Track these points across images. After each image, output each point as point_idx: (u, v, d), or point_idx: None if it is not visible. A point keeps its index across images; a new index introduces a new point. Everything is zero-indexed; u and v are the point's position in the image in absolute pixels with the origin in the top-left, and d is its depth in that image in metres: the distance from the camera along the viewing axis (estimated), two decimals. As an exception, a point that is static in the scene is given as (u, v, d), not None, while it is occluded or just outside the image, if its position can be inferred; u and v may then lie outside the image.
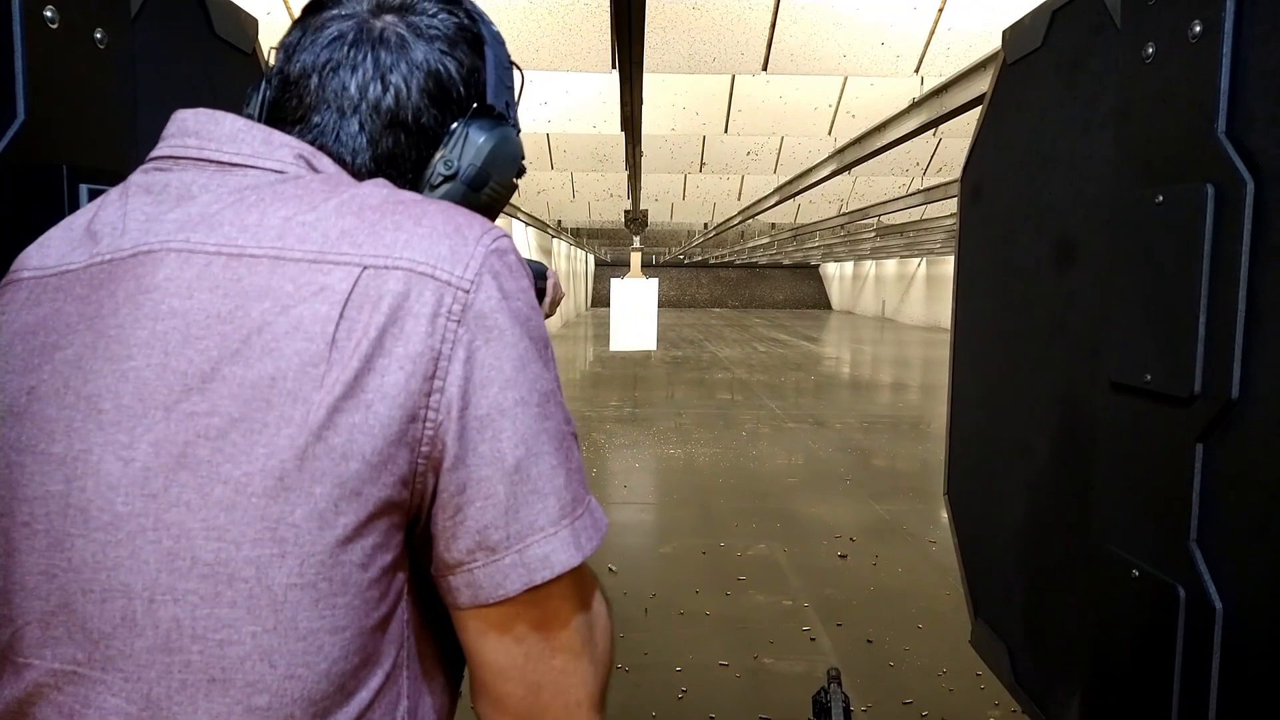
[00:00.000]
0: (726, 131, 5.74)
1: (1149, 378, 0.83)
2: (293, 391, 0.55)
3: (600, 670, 0.67)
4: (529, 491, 0.59)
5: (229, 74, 1.19)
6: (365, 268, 0.57)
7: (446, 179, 0.71)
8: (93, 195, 0.84)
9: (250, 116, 0.69)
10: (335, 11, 0.70)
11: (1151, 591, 0.83)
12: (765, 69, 3.98)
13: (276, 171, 0.63)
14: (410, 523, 0.60)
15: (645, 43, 3.43)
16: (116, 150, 0.94)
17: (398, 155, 0.69)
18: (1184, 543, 0.78)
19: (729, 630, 3.99)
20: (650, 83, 4.37)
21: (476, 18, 0.74)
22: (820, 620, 4.11)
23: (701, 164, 7.48)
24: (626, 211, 9.95)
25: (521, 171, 0.78)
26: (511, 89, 0.78)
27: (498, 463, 0.58)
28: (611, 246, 26.15)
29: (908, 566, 4.86)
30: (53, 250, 0.63)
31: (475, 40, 0.73)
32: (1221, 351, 0.74)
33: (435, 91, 0.70)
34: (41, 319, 0.60)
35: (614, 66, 3.75)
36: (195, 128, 0.65)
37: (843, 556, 5.02)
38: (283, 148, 0.65)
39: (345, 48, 0.68)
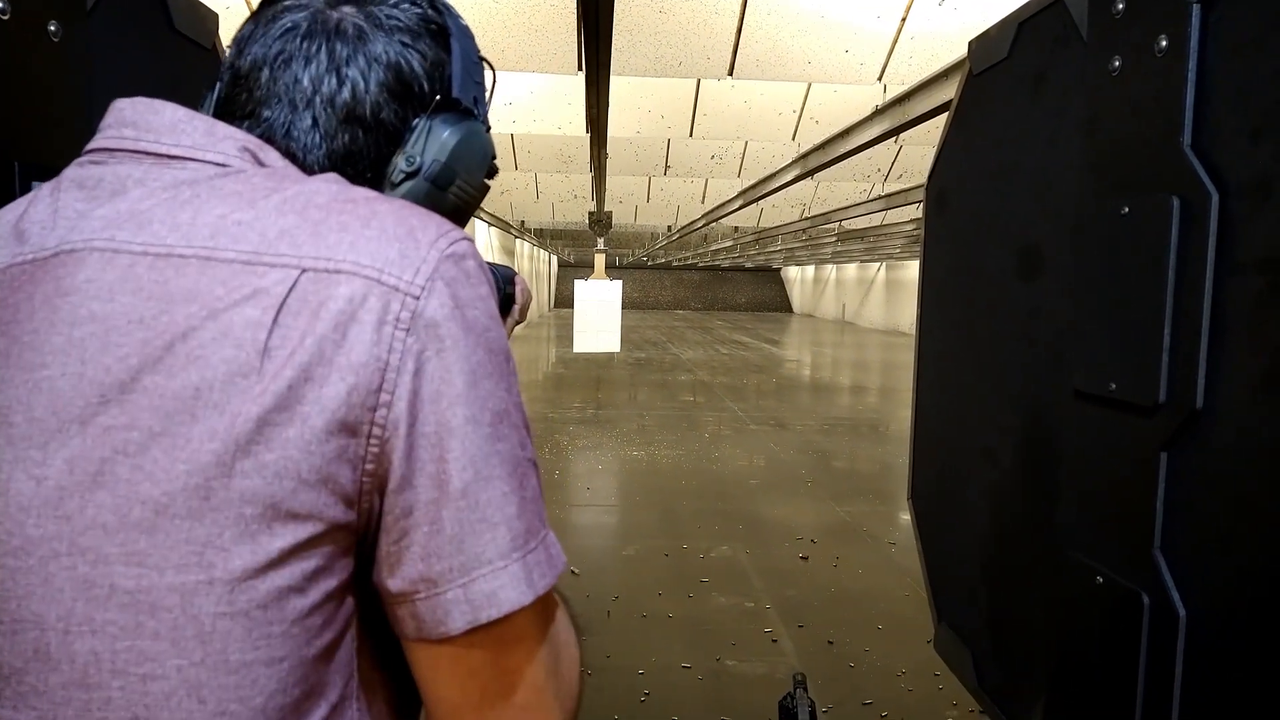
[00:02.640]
0: (691, 135, 5.75)
1: (1113, 387, 0.85)
2: (219, 404, 0.50)
3: (566, 704, 0.62)
4: (477, 520, 0.54)
5: (188, 69, 1.15)
6: (304, 270, 0.53)
7: (409, 176, 0.67)
8: (45, 193, 0.81)
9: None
10: (290, 2, 0.66)
11: (1116, 598, 0.84)
12: (731, 74, 4.00)
13: (218, 165, 0.59)
14: (361, 542, 0.56)
15: (612, 45, 3.42)
16: (70, 147, 0.90)
17: (355, 153, 0.65)
18: (1148, 550, 0.80)
19: (691, 632, 3.99)
20: (616, 85, 4.36)
21: (442, 9, 0.70)
22: (782, 622, 4.14)
23: (666, 167, 7.50)
24: (591, 213, 9.93)
25: (493, 171, 0.75)
26: (481, 84, 0.74)
27: (443, 486, 0.53)
28: (575, 248, 26.09)
29: (868, 568, 4.91)
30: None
31: (440, 32, 0.69)
32: (1186, 362, 0.75)
33: (396, 86, 0.66)
34: None
35: (580, 68, 3.73)
36: (133, 118, 0.60)
37: (804, 558, 5.05)
38: (226, 140, 0.60)
39: (298, 39, 0.64)
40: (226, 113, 0.66)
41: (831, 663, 3.72)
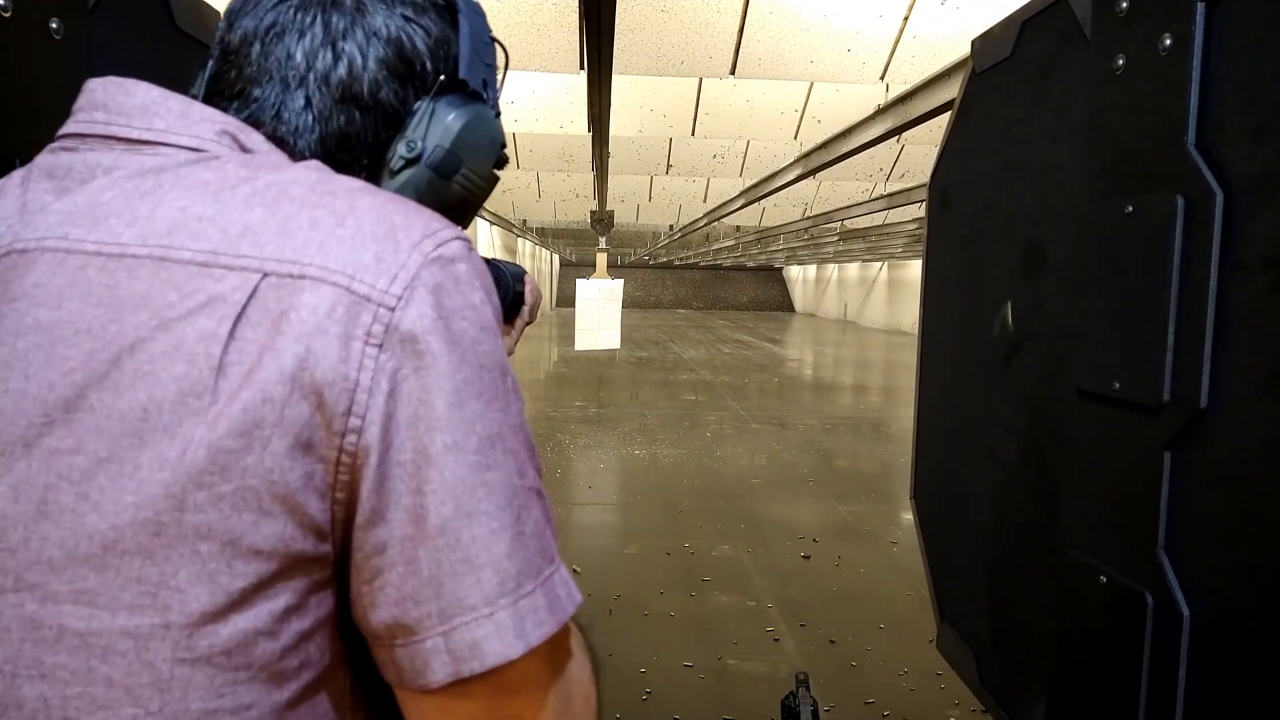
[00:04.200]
0: (693, 134, 5.75)
1: (1117, 386, 0.84)
2: (169, 427, 0.45)
3: None
4: (458, 560, 0.47)
5: (191, 67, 1.16)
6: (266, 274, 0.47)
7: (409, 163, 0.62)
8: (47, 191, 0.81)
9: (194, 97, 0.61)
10: None
11: (1119, 597, 0.84)
12: (733, 73, 3.99)
13: (192, 149, 0.54)
14: (343, 575, 0.51)
15: (614, 43, 3.42)
16: (72, 144, 0.91)
17: (351, 136, 0.60)
18: (1152, 550, 0.79)
19: (693, 631, 3.99)
20: (618, 84, 4.36)
21: None
22: (784, 621, 4.14)
23: (668, 166, 7.49)
24: (592, 212, 9.92)
25: (503, 161, 0.69)
26: (492, 66, 0.68)
27: (420, 522, 0.47)
28: (577, 247, 26.09)
29: (870, 567, 4.91)
30: None
31: (448, 7, 0.65)
32: (1190, 361, 0.75)
33: (396, 63, 0.61)
34: None
35: (582, 67, 3.73)
36: (104, 99, 0.56)
37: (806, 557, 5.05)
38: (203, 122, 0.55)
39: (292, 10, 0.59)
40: (215, 92, 0.61)
41: (833, 662, 3.72)
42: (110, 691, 0.45)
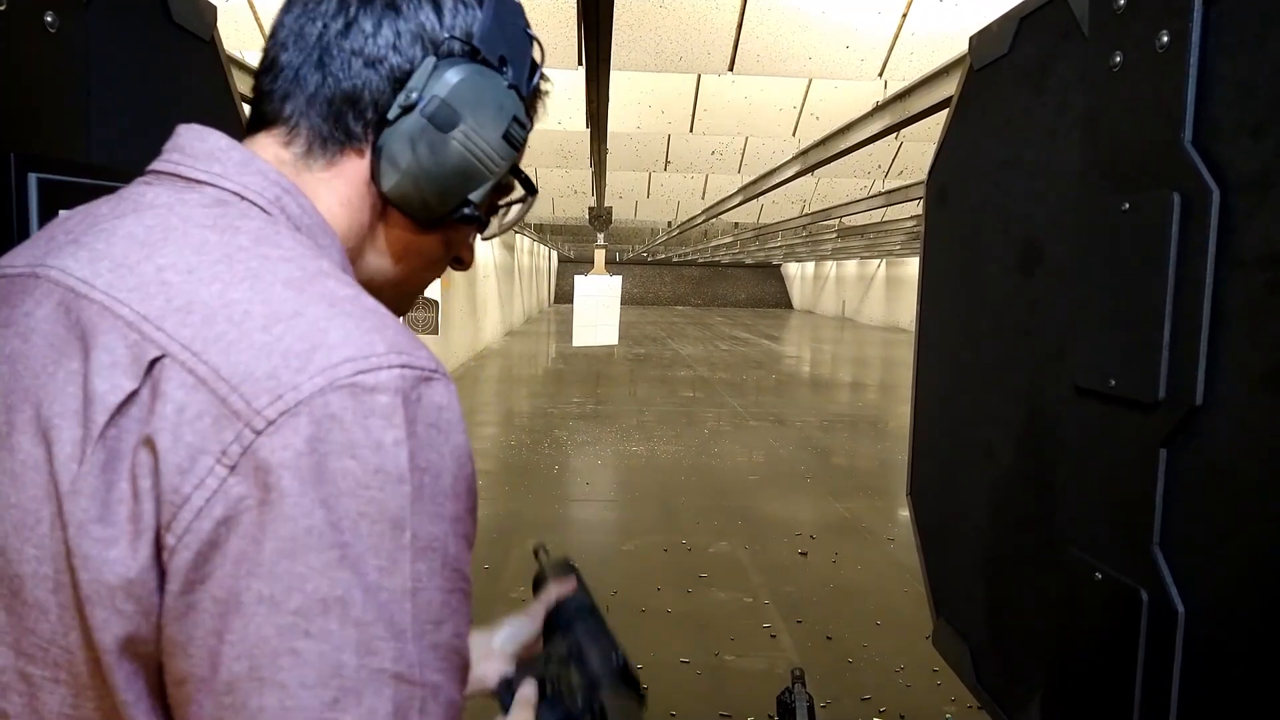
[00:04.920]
0: (692, 130, 5.74)
1: (1113, 383, 0.84)
2: (55, 490, 0.45)
3: None
4: None
5: (186, 62, 1.15)
6: (164, 357, 0.45)
7: (404, 111, 0.60)
8: (41, 185, 0.80)
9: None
10: None
11: (1114, 594, 0.84)
12: (731, 69, 3.99)
13: (234, 194, 0.56)
14: None
15: (612, 39, 3.42)
16: (67, 139, 0.90)
17: (359, 91, 0.60)
18: (1147, 547, 0.79)
19: (690, 628, 4.00)
20: (616, 80, 4.35)
21: None
22: (781, 617, 4.14)
23: (666, 162, 7.49)
24: (591, 208, 9.92)
25: (515, 139, 0.66)
26: (523, 52, 0.66)
27: (213, 669, 0.43)
28: (575, 243, 26.06)
29: (867, 564, 4.92)
30: (18, 249, 0.58)
31: None
32: (1185, 358, 0.75)
33: (411, 28, 0.61)
34: None
35: (580, 63, 3.73)
36: (184, 144, 0.58)
37: (803, 554, 5.06)
38: (257, 175, 0.57)
39: (314, 4, 0.61)
40: (257, 116, 0.63)
41: (830, 658, 3.72)
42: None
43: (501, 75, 0.64)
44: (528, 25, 0.68)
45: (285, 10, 0.63)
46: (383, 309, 0.52)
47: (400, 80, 0.61)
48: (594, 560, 4.90)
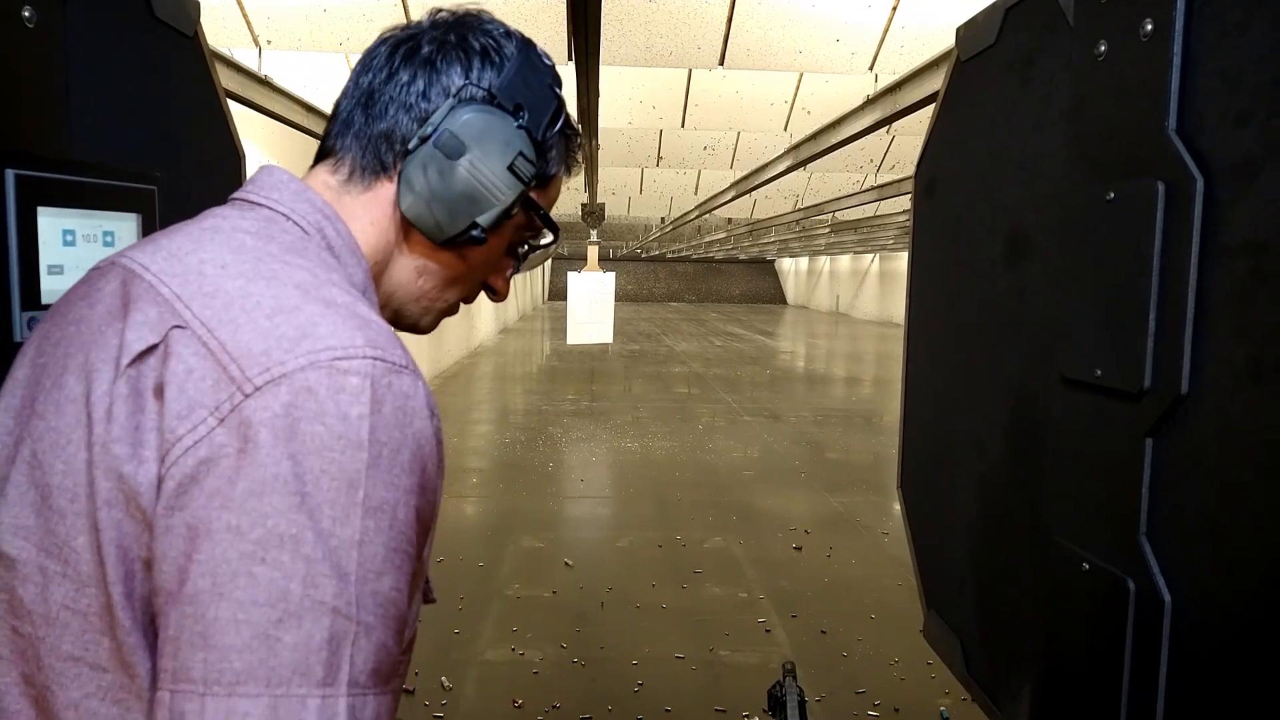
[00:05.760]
0: (683, 126, 5.74)
1: (1099, 373, 0.84)
2: (89, 417, 0.55)
3: None
4: (195, 632, 0.50)
5: (169, 58, 1.14)
6: (184, 327, 0.55)
7: (421, 141, 0.70)
8: (20, 181, 0.80)
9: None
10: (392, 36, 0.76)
11: (1102, 584, 0.84)
12: (722, 64, 3.98)
13: (282, 215, 0.66)
14: None
15: (601, 34, 3.41)
16: (47, 135, 0.89)
17: (394, 131, 0.71)
18: (1134, 536, 0.79)
19: (685, 623, 4.00)
20: (607, 75, 4.34)
21: (515, 43, 0.76)
22: (775, 612, 4.15)
23: (659, 158, 7.48)
24: (583, 205, 9.90)
25: (520, 172, 0.74)
26: (540, 101, 0.75)
27: (180, 583, 0.50)
28: (569, 240, 26.03)
29: (861, 558, 4.92)
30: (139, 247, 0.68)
31: (499, 50, 0.74)
32: (1171, 347, 0.75)
33: (444, 85, 0.72)
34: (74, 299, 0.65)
35: (570, 58, 3.71)
36: (259, 178, 0.70)
37: (797, 549, 5.06)
38: (305, 203, 0.68)
39: (380, 59, 0.74)
40: (321, 150, 0.75)
41: (824, 652, 3.73)
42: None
43: (514, 118, 0.73)
44: (554, 84, 0.78)
45: (356, 69, 0.75)
46: (372, 315, 0.60)
47: (425, 120, 0.71)
48: (588, 557, 4.90)
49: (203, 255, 0.61)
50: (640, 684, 3.43)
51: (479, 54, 0.73)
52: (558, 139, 0.78)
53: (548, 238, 0.83)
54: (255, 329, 0.55)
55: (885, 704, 3.29)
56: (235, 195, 0.70)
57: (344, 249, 0.69)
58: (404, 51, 0.72)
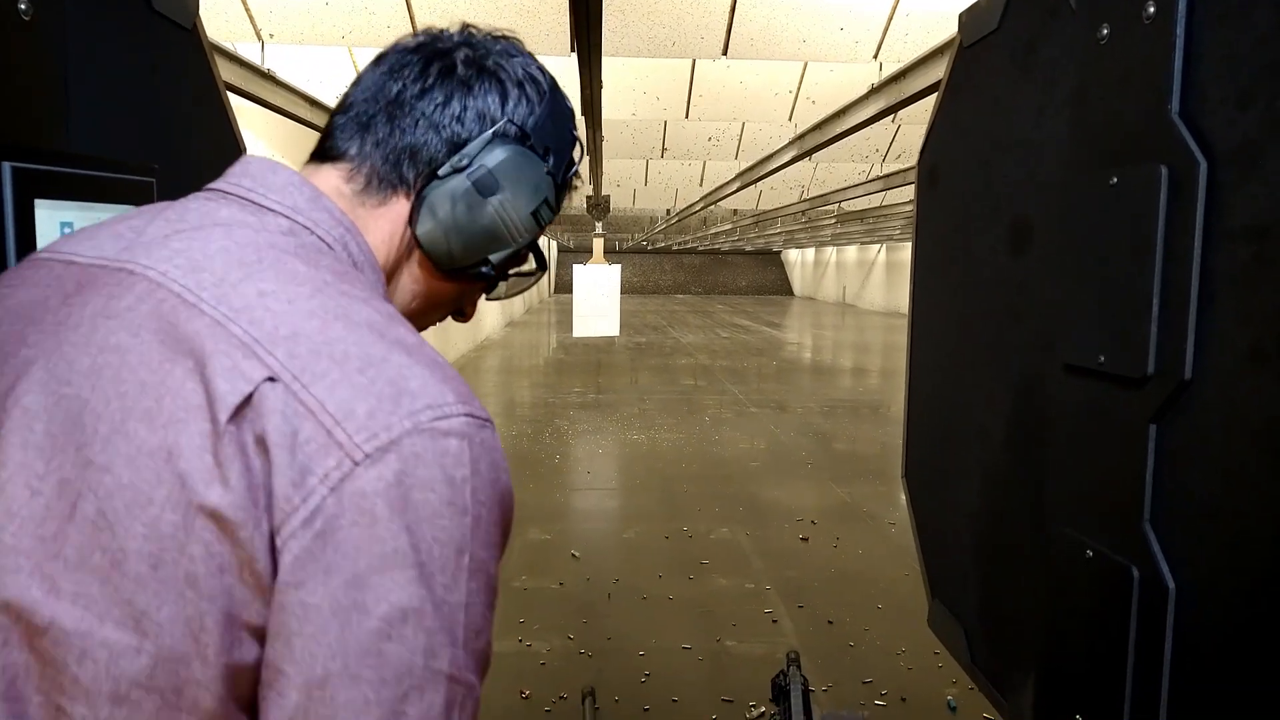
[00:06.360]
0: (688, 117, 5.72)
1: (1102, 359, 0.84)
2: (180, 476, 0.51)
3: None
4: (323, 716, 0.49)
5: (168, 51, 1.14)
6: (274, 379, 0.52)
7: (455, 171, 0.69)
8: (17, 173, 0.80)
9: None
10: (406, 44, 0.74)
11: (1105, 572, 0.83)
12: (725, 53, 3.97)
13: (304, 227, 0.64)
14: None
15: (604, 25, 3.39)
16: (44, 128, 0.89)
17: (420, 150, 0.69)
18: (1137, 523, 0.79)
19: (692, 614, 4.01)
20: (610, 66, 4.33)
21: (547, 81, 0.75)
22: (782, 602, 4.15)
23: (663, 149, 7.46)
24: (588, 197, 9.89)
25: (541, 219, 0.75)
26: (563, 146, 0.76)
27: (306, 666, 0.49)
28: (574, 232, 26.01)
29: (868, 548, 4.92)
30: (79, 239, 0.63)
31: (535, 85, 0.74)
32: (1174, 333, 0.74)
33: (478, 108, 0.71)
34: (30, 303, 0.59)
35: (573, 49, 3.70)
36: (255, 172, 0.66)
37: (804, 539, 5.06)
38: (324, 211, 0.65)
39: (408, 68, 0.71)
40: (323, 148, 0.71)
41: (831, 642, 3.73)
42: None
43: (544, 162, 0.73)
44: (575, 129, 0.78)
45: (373, 66, 0.73)
46: (441, 358, 0.59)
47: (456, 145, 0.70)
48: (595, 548, 4.90)
49: (260, 285, 0.56)
50: (647, 674, 3.44)
51: (516, 86, 0.72)
52: (568, 184, 0.79)
53: (533, 268, 0.83)
54: (351, 386, 0.53)
55: (892, 694, 3.30)
56: (227, 188, 0.65)
57: (366, 265, 0.67)
58: (439, 69, 0.70)
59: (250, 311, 0.55)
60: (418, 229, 0.70)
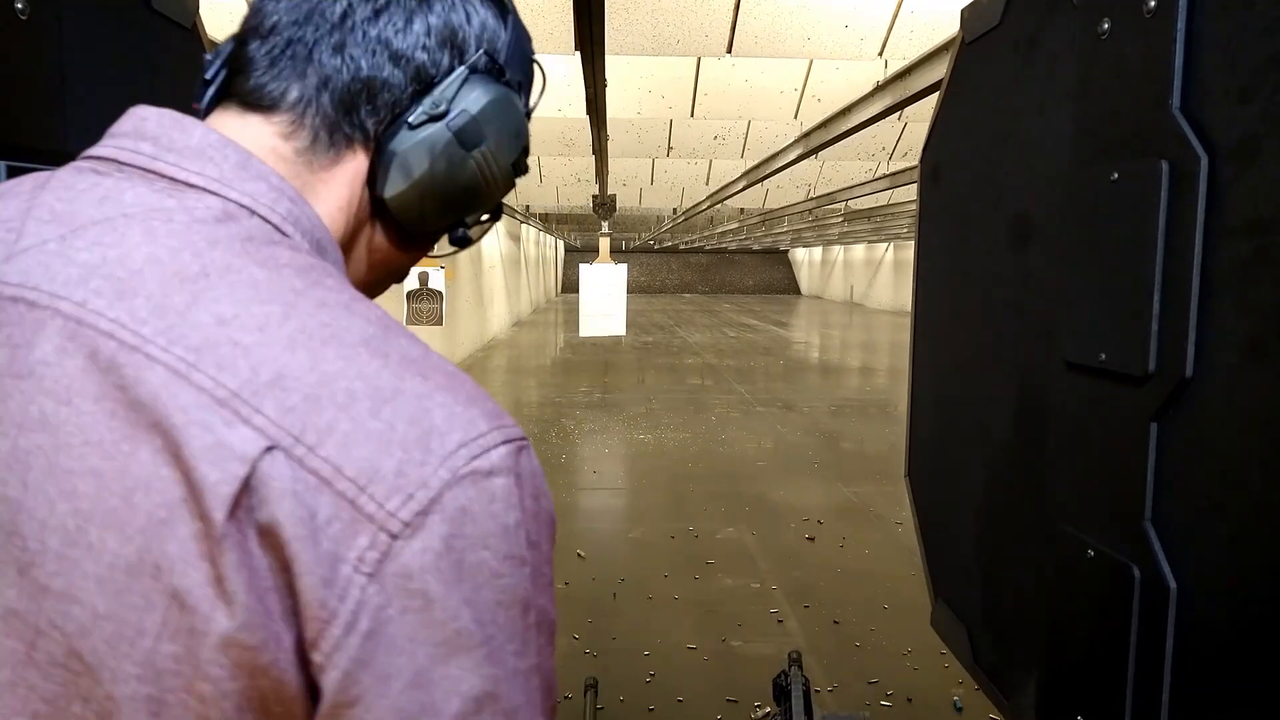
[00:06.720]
0: (693, 115, 5.71)
1: (1104, 357, 0.83)
2: (174, 597, 0.41)
3: None
4: None
5: (166, 50, 1.14)
6: (273, 448, 0.41)
7: (431, 119, 0.56)
8: (12, 172, 0.80)
9: (198, 103, 0.57)
10: None
11: (1106, 571, 0.83)
12: (730, 51, 3.96)
13: (239, 205, 0.49)
14: None
15: (608, 23, 3.39)
16: (41, 127, 0.90)
17: (378, 87, 0.55)
18: (1138, 522, 0.78)
19: (697, 613, 4.00)
20: (614, 65, 4.33)
21: None
22: (788, 602, 4.14)
23: (669, 148, 7.45)
24: (595, 196, 9.89)
25: (522, 166, 0.64)
26: (529, 80, 0.64)
27: None
28: (580, 232, 26.03)
29: (874, 548, 4.91)
30: None
31: (499, 7, 0.61)
32: (1176, 330, 0.74)
33: (441, 28, 0.57)
34: None
35: (577, 48, 3.70)
36: (156, 132, 0.50)
37: (810, 539, 5.05)
38: (259, 180, 0.51)
39: None
40: (240, 89, 0.55)
41: (837, 642, 3.72)
42: None
43: (521, 99, 0.62)
44: (531, 50, 0.66)
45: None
46: (450, 365, 0.49)
47: (423, 83, 0.56)
48: (601, 548, 4.90)
49: (216, 309, 0.44)
50: (652, 674, 3.43)
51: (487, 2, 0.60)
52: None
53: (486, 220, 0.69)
54: (368, 437, 0.42)
55: (898, 694, 3.29)
56: (123, 157, 0.50)
57: (325, 244, 0.54)
58: None
59: (214, 350, 0.42)
60: (385, 192, 0.57)
